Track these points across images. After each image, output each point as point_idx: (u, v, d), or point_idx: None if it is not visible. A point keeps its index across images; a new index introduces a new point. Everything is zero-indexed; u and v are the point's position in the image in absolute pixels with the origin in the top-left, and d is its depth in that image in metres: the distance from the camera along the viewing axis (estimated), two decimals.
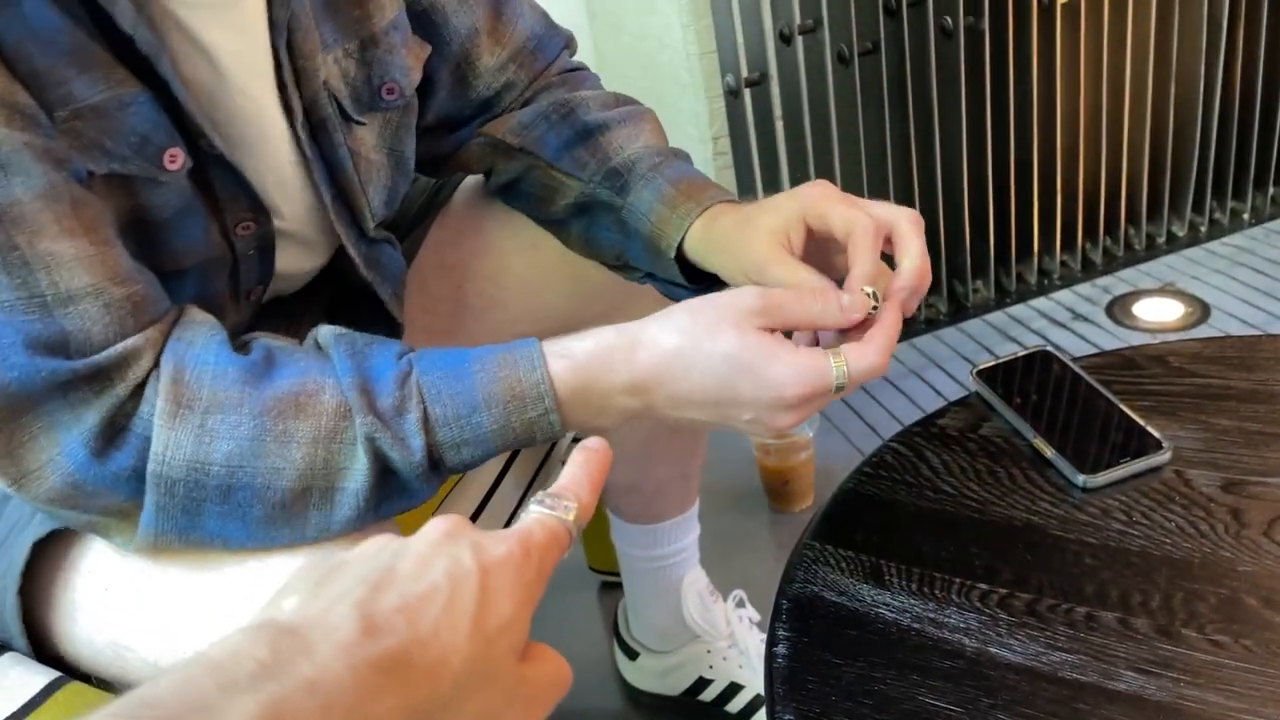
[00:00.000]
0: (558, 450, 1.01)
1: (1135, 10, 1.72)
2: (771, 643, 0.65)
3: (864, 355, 0.58)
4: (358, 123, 0.70)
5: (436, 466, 0.57)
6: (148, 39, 0.55)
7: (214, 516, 0.53)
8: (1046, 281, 1.91)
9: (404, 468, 0.55)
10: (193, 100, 0.59)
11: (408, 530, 0.41)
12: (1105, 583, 0.66)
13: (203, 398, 0.53)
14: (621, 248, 0.77)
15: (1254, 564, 0.65)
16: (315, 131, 0.67)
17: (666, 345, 0.57)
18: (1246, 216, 2.03)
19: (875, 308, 0.61)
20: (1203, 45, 1.80)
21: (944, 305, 1.86)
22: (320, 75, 0.66)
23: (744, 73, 1.53)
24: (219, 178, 0.64)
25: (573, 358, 0.58)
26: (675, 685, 1.13)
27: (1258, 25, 1.84)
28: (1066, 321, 1.80)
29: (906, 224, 0.63)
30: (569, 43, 0.85)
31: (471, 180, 0.90)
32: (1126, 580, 0.66)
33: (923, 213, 1.72)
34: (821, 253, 0.66)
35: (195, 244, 0.64)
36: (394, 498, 0.56)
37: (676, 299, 0.69)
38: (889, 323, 0.60)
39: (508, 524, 0.91)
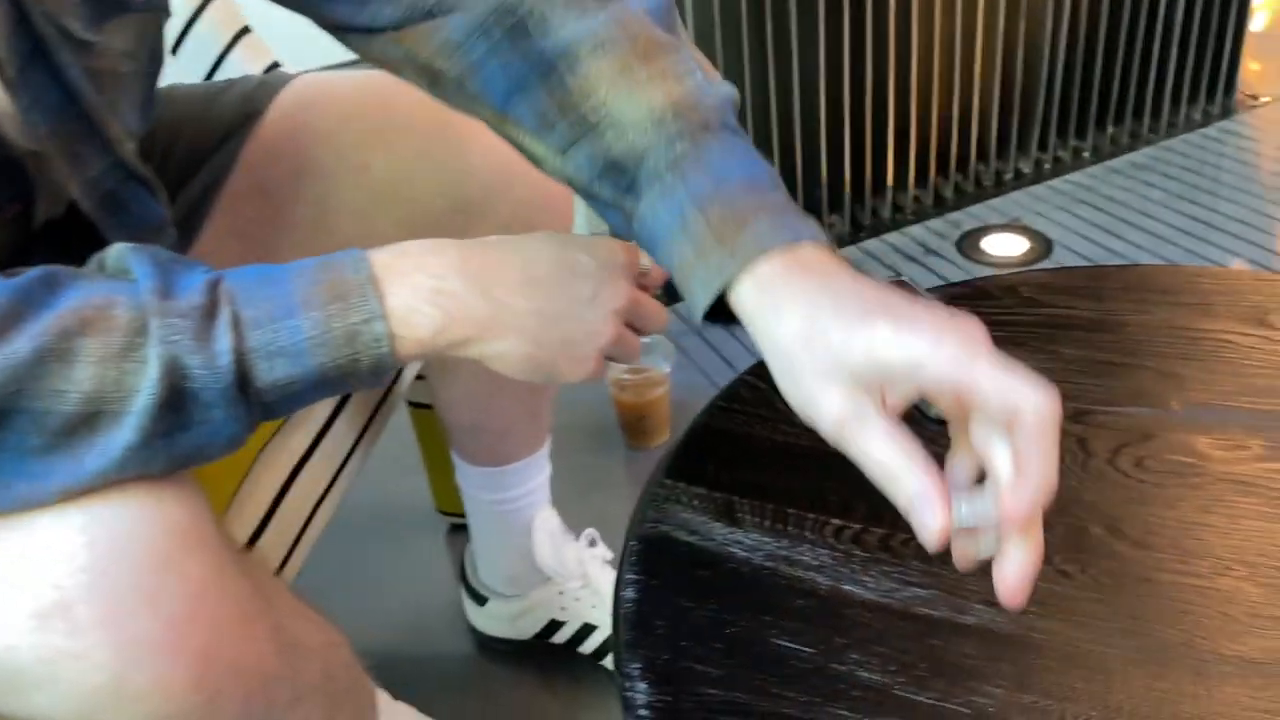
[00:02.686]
0: (400, 386, 0.95)
1: None
2: (620, 586, 0.62)
3: None
4: (85, 42, 0.57)
5: (245, 386, 0.48)
6: None
7: None
8: (900, 216, 1.93)
9: (206, 378, 0.47)
10: None
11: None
12: None
13: None
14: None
15: (1098, 493, 0.65)
16: (30, 59, 0.55)
17: (493, 235, 0.55)
18: (1088, 155, 2.09)
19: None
20: None
21: None
22: None
23: None
24: None
25: (400, 250, 0.52)
26: (526, 629, 1.09)
27: None
28: (918, 256, 1.82)
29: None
30: None
31: (291, 92, 0.81)
32: None
33: (781, 146, 1.74)
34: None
35: None
36: (190, 426, 0.48)
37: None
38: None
39: (336, 476, 0.85)
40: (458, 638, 1.14)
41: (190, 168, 0.79)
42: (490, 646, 1.13)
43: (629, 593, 0.61)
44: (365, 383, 0.52)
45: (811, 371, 0.47)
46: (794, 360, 0.47)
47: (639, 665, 0.57)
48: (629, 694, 0.55)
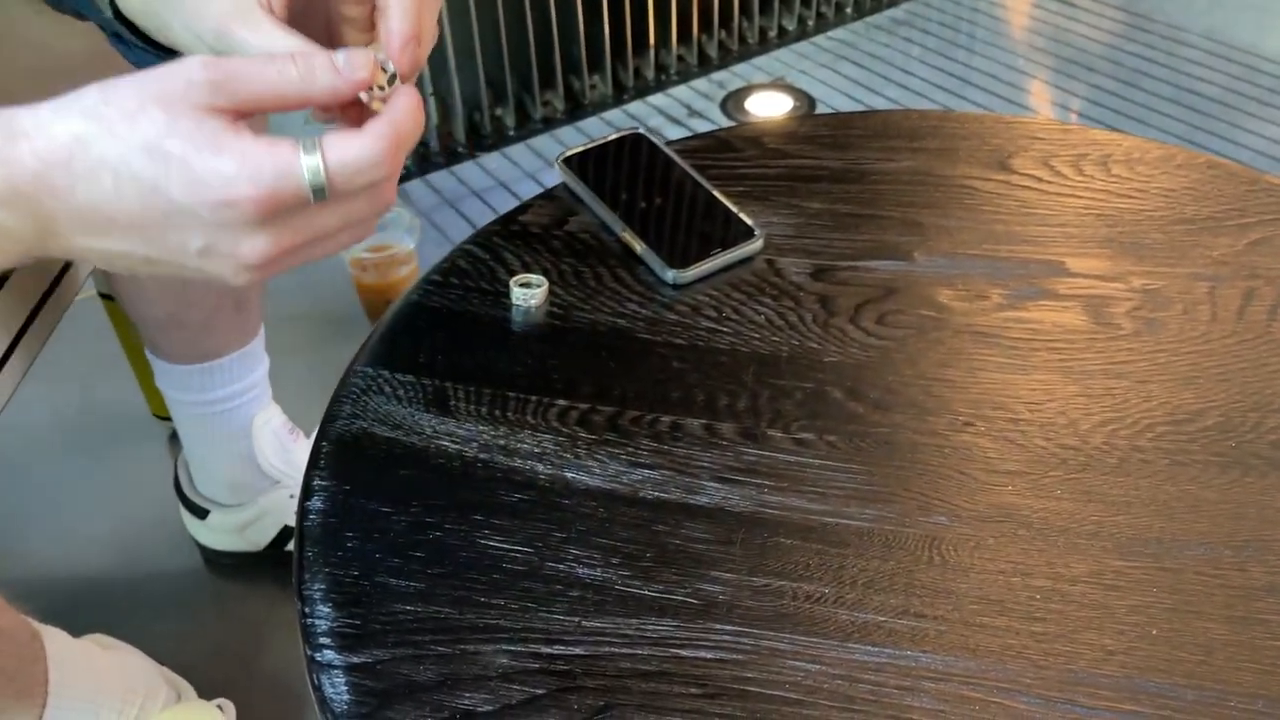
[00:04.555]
0: (73, 275, 0.81)
1: None
2: (305, 496, 0.53)
3: (350, 141, 0.41)
4: None
5: None
6: None
7: None
8: (664, 77, 1.85)
9: None
10: None
11: None
12: (692, 387, 0.59)
13: None
14: None
15: (840, 354, 0.61)
16: None
17: (61, 135, 0.39)
18: (849, 11, 2.07)
19: (389, 82, 0.44)
20: None
21: (560, 103, 1.75)
22: None
23: None
24: None
25: None
26: (257, 540, 0.99)
27: None
28: (682, 118, 1.76)
29: None
30: None
31: None
32: (714, 382, 0.59)
33: (535, 3, 1.60)
34: (318, 25, 0.48)
35: None
36: None
37: (144, 67, 0.50)
38: (400, 107, 0.43)
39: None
40: (184, 555, 1.02)
41: None
42: (219, 562, 1.02)
43: (315, 503, 0.53)
44: None
45: None
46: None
47: (322, 587, 0.48)
48: (308, 621, 0.47)
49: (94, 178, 0.39)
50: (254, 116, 0.41)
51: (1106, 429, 0.56)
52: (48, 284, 0.78)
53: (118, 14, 0.49)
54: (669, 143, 0.77)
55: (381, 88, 0.43)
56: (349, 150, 0.40)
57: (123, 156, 0.39)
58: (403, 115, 0.42)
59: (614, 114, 1.76)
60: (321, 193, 0.41)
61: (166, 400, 0.91)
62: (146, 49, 0.51)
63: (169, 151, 0.39)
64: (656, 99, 1.80)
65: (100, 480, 1.10)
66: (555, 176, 0.73)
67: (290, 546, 0.99)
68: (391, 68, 0.44)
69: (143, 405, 1.14)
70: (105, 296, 1.01)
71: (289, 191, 0.40)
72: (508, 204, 1.53)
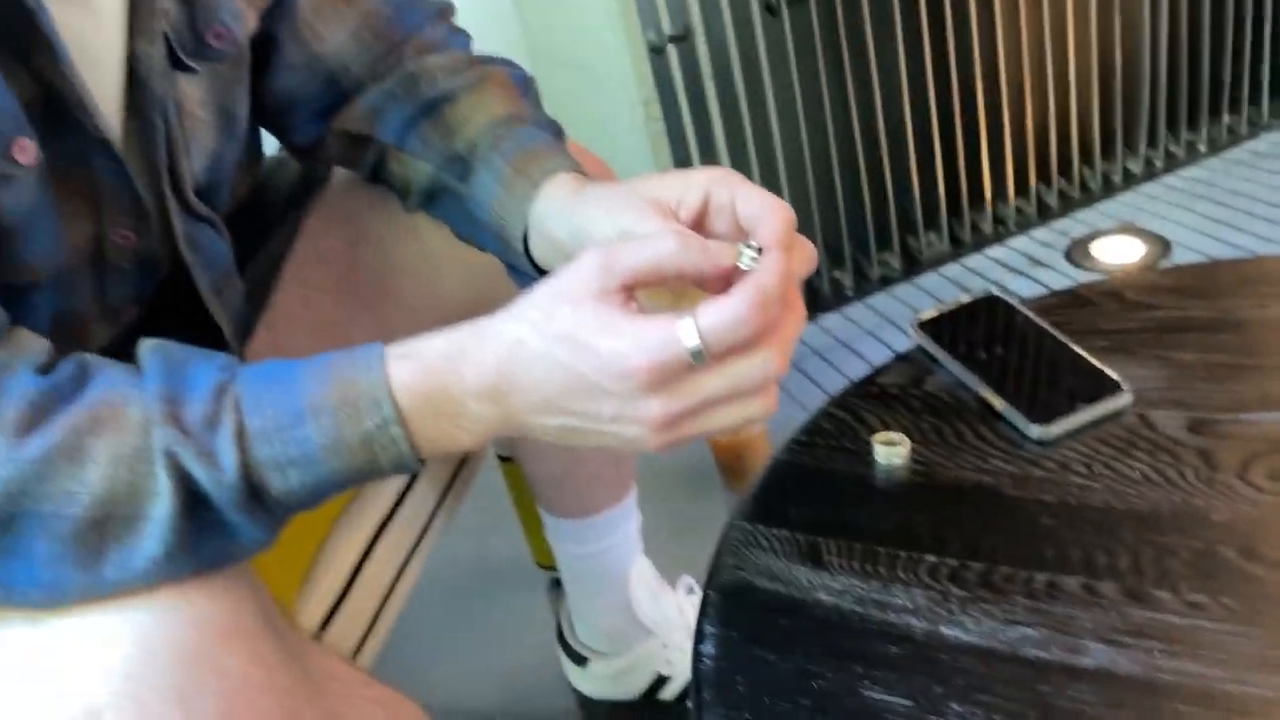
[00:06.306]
0: (481, 453, 0.94)
1: None
2: (697, 641, 0.58)
3: (719, 304, 0.46)
4: (189, 70, 0.61)
5: (259, 496, 0.47)
6: None
7: None
8: (1002, 229, 1.84)
9: (215, 491, 0.46)
10: (73, 64, 0.51)
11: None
12: (1067, 544, 0.59)
13: None
14: (478, 242, 0.68)
15: (1229, 511, 0.58)
16: (144, 81, 0.58)
17: (507, 338, 0.48)
18: (1203, 148, 1.97)
19: (753, 259, 0.49)
20: None
21: (897, 261, 1.78)
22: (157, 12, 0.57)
23: (666, 28, 1.45)
24: (102, 170, 0.56)
25: (419, 358, 0.49)
26: (632, 688, 1.05)
27: None
28: (1025, 269, 1.73)
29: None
30: (443, 11, 0.75)
31: None
32: (1090, 540, 0.59)
33: (868, 165, 1.67)
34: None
35: (50, 252, 0.56)
36: (211, 535, 0.47)
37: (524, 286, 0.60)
38: (764, 269, 0.47)
39: (421, 539, 0.83)
40: (561, 697, 1.11)
41: (257, 236, 0.79)
42: (595, 709, 1.09)
43: (707, 648, 0.57)
44: (392, 474, 0.50)
45: (599, 209, 0.55)
46: (579, 208, 0.57)
47: None
48: None
49: (531, 368, 0.48)
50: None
51: None
52: (460, 454, 0.91)
53: (528, 256, 0.62)
54: (1023, 301, 0.79)
55: (753, 258, 0.49)
56: (718, 313, 0.46)
57: (548, 349, 0.48)
58: (767, 276, 0.47)
59: (953, 269, 1.77)
60: (700, 356, 0.46)
61: (554, 552, 1.01)
62: (535, 275, 0.62)
63: (578, 339, 0.47)
64: (996, 251, 1.79)
65: (490, 623, 1.22)
66: (895, 333, 0.76)
67: (662, 694, 1.05)
68: (755, 252, 0.49)
69: (528, 556, 1.27)
70: (502, 459, 1.15)
71: (673, 357, 0.46)
72: (850, 362, 1.57)
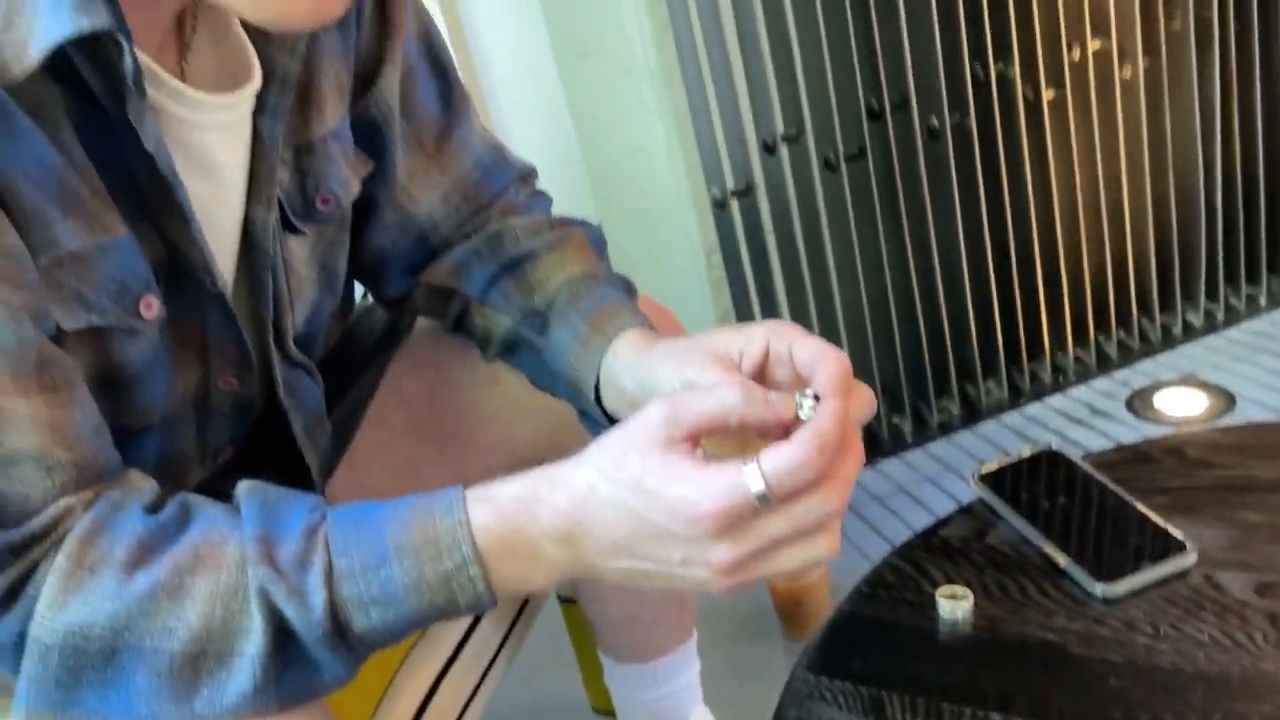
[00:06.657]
0: (542, 595, 0.95)
1: (1123, 98, 1.71)
2: None
3: (782, 449, 0.48)
4: (298, 232, 0.66)
5: (343, 633, 0.50)
6: (168, 160, 0.53)
7: (93, 688, 0.47)
8: (1061, 378, 1.85)
9: (303, 629, 0.48)
10: (200, 231, 0.57)
11: None
12: (1134, 706, 0.58)
13: (104, 560, 0.48)
14: (553, 390, 0.72)
15: None
16: (257, 241, 0.64)
17: (579, 484, 0.51)
18: (1263, 301, 1.97)
19: (812, 407, 0.51)
20: (1197, 127, 1.78)
21: (956, 408, 1.79)
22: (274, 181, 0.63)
23: (729, 184, 1.52)
24: (215, 322, 0.61)
25: (495, 502, 0.52)
26: None
27: (1251, 102, 1.81)
28: (1085, 418, 1.73)
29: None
30: (526, 176, 0.81)
31: None
32: (1158, 702, 0.58)
33: (925, 315, 1.71)
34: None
35: (162, 398, 0.61)
36: (296, 671, 0.49)
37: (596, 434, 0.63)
38: (822, 415, 0.50)
39: (483, 679, 0.84)
40: None
41: (344, 380, 0.84)
42: None
43: None
44: (468, 614, 0.52)
45: (667, 362, 0.60)
46: (647, 362, 0.62)
47: None
48: None
49: (603, 514, 0.51)
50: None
51: None
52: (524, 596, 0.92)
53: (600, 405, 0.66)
54: (1084, 456, 0.80)
55: (812, 407, 0.51)
56: (781, 458, 0.48)
57: (618, 495, 0.50)
58: (826, 422, 0.49)
59: (1012, 417, 1.77)
60: (765, 499, 0.48)
61: (614, 698, 1.01)
62: (605, 424, 0.65)
63: (647, 487, 0.49)
64: (1055, 400, 1.80)
65: None
66: (956, 480, 0.77)
67: None
68: (813, 400, 0.52)
69: (585, 700, 1.26)
70: (564, 600, 1.16)
71: (740, 501, 0.48)
72: (910, 509, 1.57)
